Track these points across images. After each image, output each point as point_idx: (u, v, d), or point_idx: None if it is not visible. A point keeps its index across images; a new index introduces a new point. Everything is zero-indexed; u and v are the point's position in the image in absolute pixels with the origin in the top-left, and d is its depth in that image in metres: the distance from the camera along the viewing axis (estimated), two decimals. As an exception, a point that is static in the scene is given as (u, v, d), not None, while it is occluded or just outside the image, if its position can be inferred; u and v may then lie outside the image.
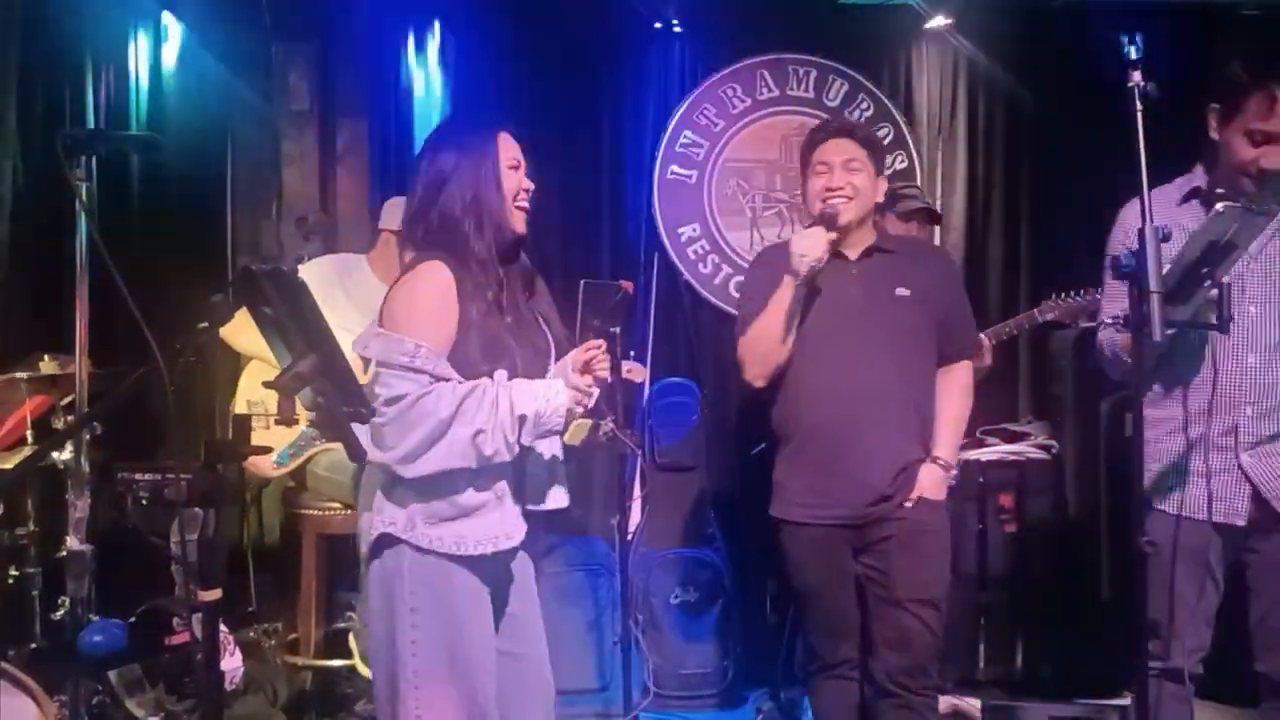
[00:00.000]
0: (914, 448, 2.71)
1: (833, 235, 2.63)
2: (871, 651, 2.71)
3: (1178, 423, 2.51)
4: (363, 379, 2.07)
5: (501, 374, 2.16)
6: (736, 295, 4.49)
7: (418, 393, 2.06)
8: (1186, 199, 2.57)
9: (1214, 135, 2.50)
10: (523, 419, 2.12)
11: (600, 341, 2.25)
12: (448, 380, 2.10)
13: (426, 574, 2.13)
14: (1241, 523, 2.49)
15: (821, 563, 2.72)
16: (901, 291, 2.70)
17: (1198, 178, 2.57)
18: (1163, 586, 2.48)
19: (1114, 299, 2.56)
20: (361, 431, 2.02)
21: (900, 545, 2.65)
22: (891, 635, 2.66)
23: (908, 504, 2.66)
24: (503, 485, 2.19)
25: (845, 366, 2.66)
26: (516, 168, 2.26)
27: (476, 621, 2.18)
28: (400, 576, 2.13)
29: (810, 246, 2.59)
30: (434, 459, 2.07)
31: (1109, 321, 2.54)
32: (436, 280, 2.12)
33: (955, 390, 2.78)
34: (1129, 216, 2.55)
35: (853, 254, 2.76)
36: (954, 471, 2.79)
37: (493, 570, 2.21)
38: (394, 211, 3.42)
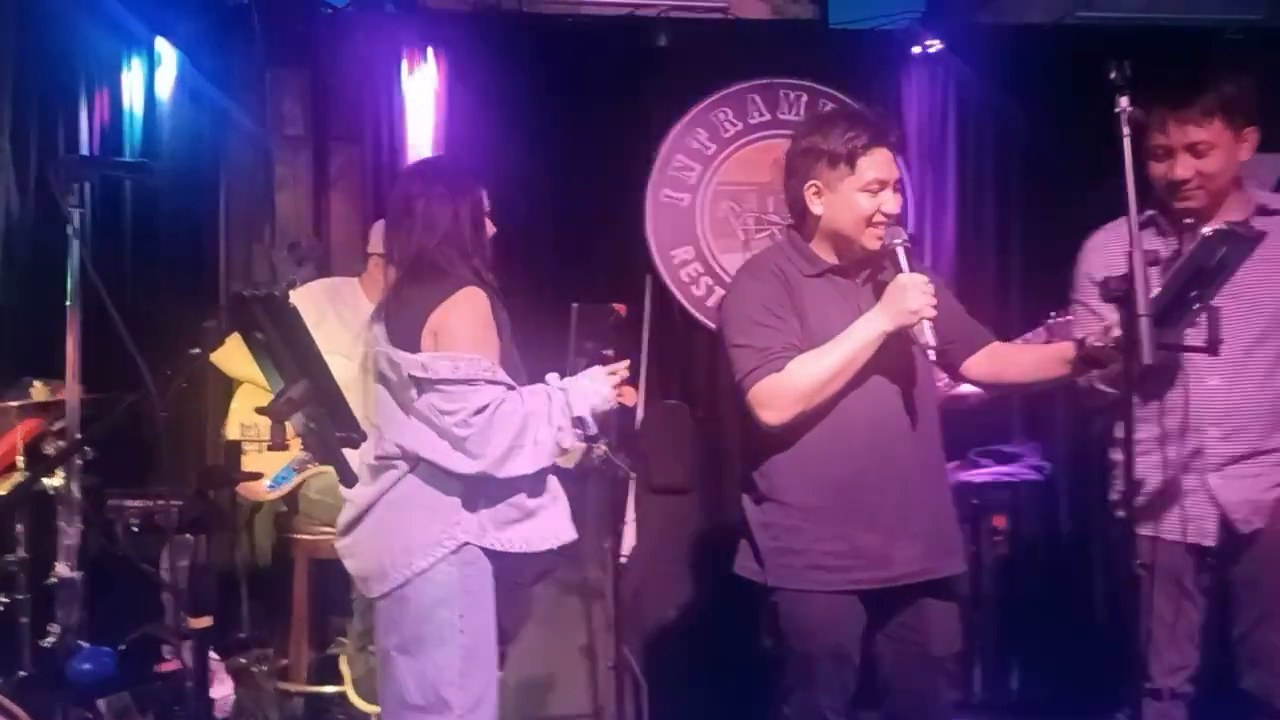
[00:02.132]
0: (947, 487, 2.50)
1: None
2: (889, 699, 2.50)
3: (1153, 444, 2.51)
4: (354, 403, 2.08)
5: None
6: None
7: (500, 398, 2.25)
8: (1143, 226, 2.57)
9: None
10: (580, 419, 2.33)
11: (626, 361, 2.41)
12: (514, 390, 2.31)
13: (474, 583, 2.31)
14: (1211, 543, 2.49)
15: (844, 630, 2.40)
16: None
17: (1152, 206, 2.55)
18: (1143, 609, 2.48)
19: (1083, 325, 2.51)
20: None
21: (937, 598, 2.44)
22: (925, 693, 2.47)
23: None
24: (556, 485, 2.42)
25: (877, 405, 2.37)
26: (490, 214, 2.50)
27: (493, 625, 2.38)
28: (455, 587, 2.29)
29: (927, 303, 2.27)
30: (524, 458, 2.27)
31: None
32: (483, 303, 2.32)
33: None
34: (1103, 242, 2.57)
35: (860, 276, 2.47)
36: None
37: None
38: (383, 235, 3.43)
